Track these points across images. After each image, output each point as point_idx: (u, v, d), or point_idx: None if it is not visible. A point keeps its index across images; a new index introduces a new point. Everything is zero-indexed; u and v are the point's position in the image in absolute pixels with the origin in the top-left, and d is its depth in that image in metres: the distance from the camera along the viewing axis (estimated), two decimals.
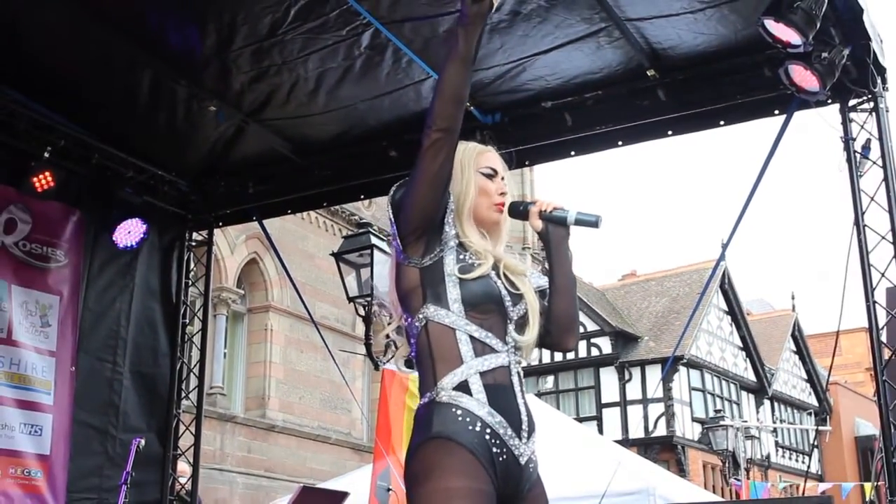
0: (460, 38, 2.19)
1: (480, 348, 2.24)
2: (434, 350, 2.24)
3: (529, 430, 2.26)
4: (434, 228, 2.29)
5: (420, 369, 2.28)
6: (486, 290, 2.27)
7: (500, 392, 2.22)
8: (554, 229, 2.41)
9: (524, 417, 2.25)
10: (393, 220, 2.30)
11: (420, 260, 2.28)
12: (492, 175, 2.43)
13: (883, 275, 5.15)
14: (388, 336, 2.46)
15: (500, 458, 2.18)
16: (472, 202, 2.37)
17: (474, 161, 2.42)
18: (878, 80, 5.23)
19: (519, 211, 2.44)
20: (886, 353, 5.08)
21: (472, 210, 2.37)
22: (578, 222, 2.39)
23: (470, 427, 2.16)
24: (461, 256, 2.30)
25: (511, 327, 2.30)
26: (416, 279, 2.28)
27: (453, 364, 2.21)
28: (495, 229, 2.43)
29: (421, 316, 2.26)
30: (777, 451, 29.08)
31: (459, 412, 2.17)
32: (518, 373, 2.29)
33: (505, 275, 2.35)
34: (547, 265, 2.45)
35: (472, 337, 2.23)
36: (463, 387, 2.20)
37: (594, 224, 2.38)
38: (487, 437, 2.17)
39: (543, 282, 2.47)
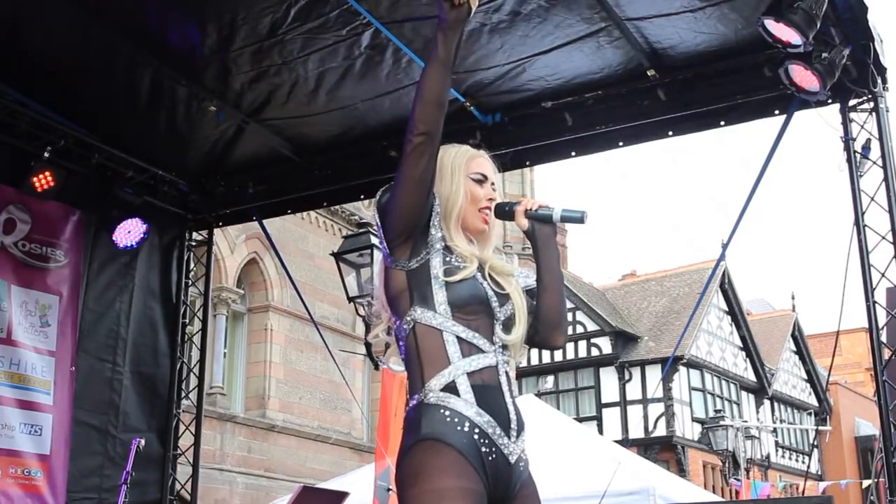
0: (439, 43, 2.22)
1: (468, 349, 2.25)
2: (422, 352, 2.25)
3: (518, 429, 2.26)
4: (419, 231, 2.30)
5: (409, 371, 2.29)
6: (473, 292, 2.28)
7: (488, 392, 2.23)
8: (540, 227, 2.42)
9: (513, 416, 2.25)
10: (379, 224, 2.32)
11: (407, 263, 2.29)
12: (481, 181, 2.43)
13: (883, 275, 5.16)
14: (377, 336, 2.46)
15: (490, 458, 2.18)
16: (460, 208, 2.38)
17: (465, 166, 2.42)
18: (879, 80, 5.23)
19: (504, 211, 2.44)
20: (886, 353, 5.08)
21: (460, 216, 2.38)
22: (564, 219, 2.40)
23: (458, 428, 2.16)
24: (447, 259, 2.30)
25: (498, 327, 2.31)
26: (404, 282, 2.30)
27: (441, 365, 2.22)
28: (483, 234, 2.44)
29: (409, 318, 2.27)
30: (777, 451, 29.07)
31: (447, 413, 2.18)
32: (506, 372, 2.30)
33: (491, 276, 2.36)
34: (535, 263, 2.46)
35: (459, 338, 2.24)
36: (450, 387, 2.20)
37: (580, 220, 2.38)
38: (476, 437, 2.17)
39: (530, 281, 2.48)
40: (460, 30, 2.22)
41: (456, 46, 2.23)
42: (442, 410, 2.18)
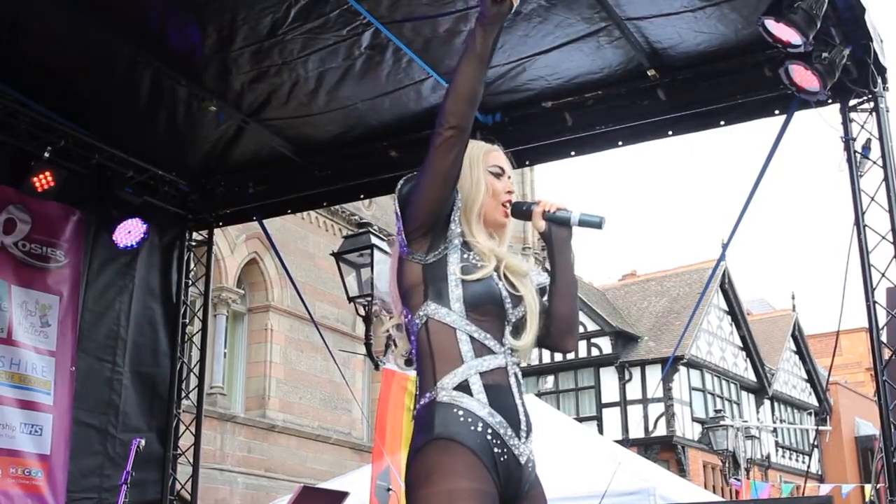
0: (478, 37, 2.18)
1: (480, 349, 2.23)
2: (434, 348, 2.23)
3: (528, 430, 2.25)
4: (440, 225, 2.27)
5: (419, 367, 2.27)
6: (488, 291, 2.26)
7: (499, 392, 2.22)
8: (557, 230, 2.40)
9: (522, 417, 2.25)
10: (399, 214, 2.28)
11: (424, 256, 2.27)
12: (499, 174, 2.42)
13: (883, 275, 5.16)
14: (388, 332, 2.44)
15: (502, 459, 2.17)
16: (482, 202, 2.36)
17: (482, 160, 2.41)
18: (879, 80, 5.24)
19: (522, 211, 2.42)
20: (886, 353, 5.08)
21: (481, 210, 2.36)
22: (582, 223, 2.37)
23: (472, 428, 2.15)
24: (465, 256, 2.29)
25: (508, 330, 2.29)
26: (419, 276, 2.27)
27: (454, 363, 2.20)
28: (501, 230, 2.43)
29: (422, 313, 2.25)
30: (777, 451, 29.07)
31: (461, 413, 2.16)
32: (515, 374, 2.28)
33: (506, 275, 2.33)
34: (549, 266, 2.43)
35: (471, 337, 2.23)
36: (463, 387, 2.19)
37: (598, 225, 2.35)
38: (489, 437, 2.16)
39: (544, 279, 2.46)
40: (500, 25, 2.18)
41: (494, 42, 2.19)
42: (455, 410, 2.16)
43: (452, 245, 2.28)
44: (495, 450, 2.16)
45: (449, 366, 2.21)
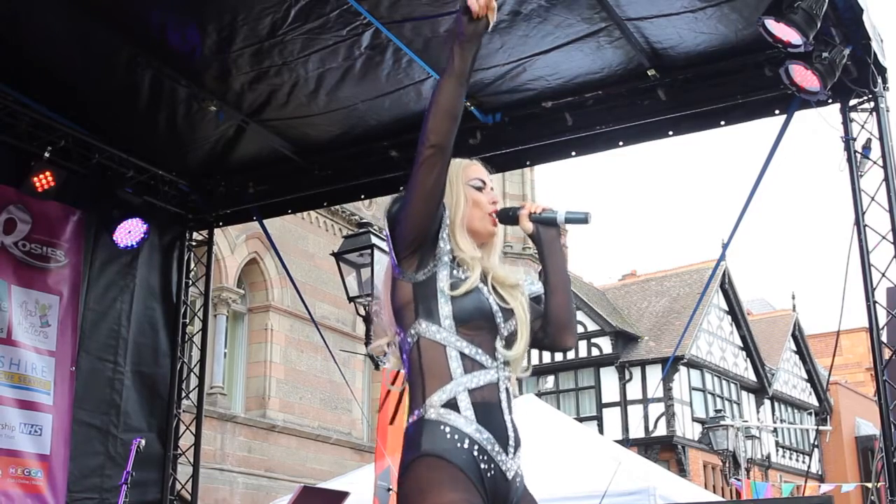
0: (456, 56, 2.19)
1: (470, 365, 2.25)
2: (424, 366, 2.25)
3: (516, 446, 2.28)
4: (428, 243, 2.29)
5: (410, 385, 2.29)
6: (478, 307, 2.29)
7: (487, 409, 2.24)
8: (545, 231, 2.44)
9: (511, 433, 2.27)
10: (389, 234, 2.31)
11: (414, 275, 2.29)
12: (481, 187, 2.44)
13: (883, 275, 5.16)
14: (379, 346, 2.46)
15: (489, 475, 2.20)
16: (463, 213, 2.38)
17: (462, 175, 2.43)
18: (879, 80, 5.24)
19: (509, 217, 2.45)
20: (886, 353, 5.09)
21: (464, 221, 2.38)
22: (569, 221, 2.41)
23: (458, 444, 2.18)
24: (454, 272, 2.31)
25: (500, 343, 2.31)
26: (410, 294, 2.29)
27: (443, 380, 2.23)
28: (490, 240, 2.45)
29: (413, 332, 2.27)
30: (777, 450, 29.07)
31: (448, 430, 2.19)
32: (507, 388, 2.31)
33: (495, 288, 2.36)
34: (541, 266, 2.46)
35: (462, 353, 2.25)
36: (451, 404, 2.21)
37: (584, 221, 2.40)
38: (476, 453, 2.19)
39: (537, 288, 2.48)
40: (477, 44, 2.20)
41: (472, 59, 2.21)
42: (442, 427, 2.19)
43: (442, 262, 2.30)
44: (482, 465, 2.19)
45: (438, 383, 2.23)
